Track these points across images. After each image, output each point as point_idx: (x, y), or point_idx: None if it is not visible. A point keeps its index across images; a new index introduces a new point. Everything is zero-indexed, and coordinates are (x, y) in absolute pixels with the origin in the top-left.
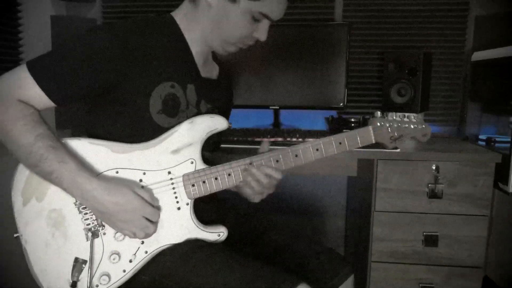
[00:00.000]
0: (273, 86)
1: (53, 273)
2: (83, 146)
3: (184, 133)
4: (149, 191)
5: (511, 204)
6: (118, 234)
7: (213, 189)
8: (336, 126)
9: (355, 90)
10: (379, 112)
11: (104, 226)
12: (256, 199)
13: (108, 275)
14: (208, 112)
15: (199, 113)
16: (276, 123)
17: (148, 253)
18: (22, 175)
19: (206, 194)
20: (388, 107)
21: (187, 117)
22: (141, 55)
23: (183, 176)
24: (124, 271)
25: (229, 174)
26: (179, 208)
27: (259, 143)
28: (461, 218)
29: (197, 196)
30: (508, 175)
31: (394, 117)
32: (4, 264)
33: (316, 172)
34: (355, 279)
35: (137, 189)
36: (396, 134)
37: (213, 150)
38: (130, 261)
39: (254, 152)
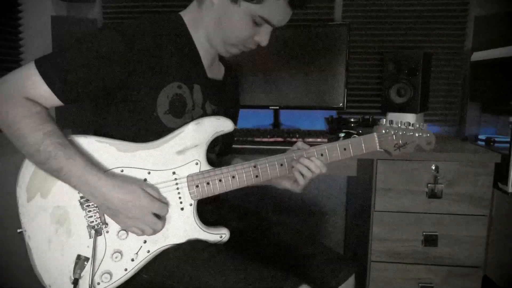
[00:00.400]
0: (273, 86)
1: (55, 270)
2: (90, 144)
3: (190, 134)
4: (156, 189)
5: (511, 204)
6: (121, 232)
7: (217, 190)
8: (336, 126)
9: (355, 90)
10: (384, 120)
11: (107, 224)
12: (302, 187)
13: (110, 273)
14: (213, 113)
15: (204, 114)
16: (276, 123)
17: (150, 252)
18: (28, 171)
19: (209, 196)
20: (388, 107)
21: (193, 118)
22: (149, 55)
23: (187, 177)
24: (126, 269)
25: (233, 177)
26: (182, 209)
27: (259, 143)
28: (461, 218)
29: (201, 197)
30: (507, 175)
31: (399, 125)
32: (5, 264)
33: None
34: (354, 279)
35: (144, 186)
36: (400, 142)
37: (224, 154)
38: (132, 260)
39: (254, 152)
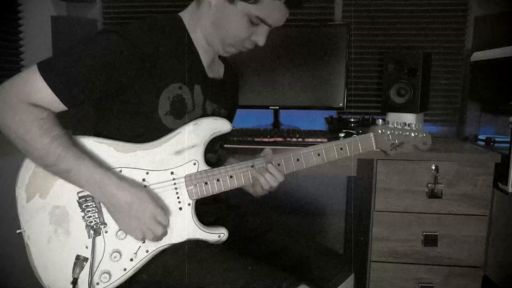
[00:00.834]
0: (273, 86)
1: (54, 270)
2: (89, 145)
3: (188, 135)
4: (159, 197)
5: (511, 204)
6: (120, 232)
7: (215, 190)
8: (336, 126)
9: (355, 90)
10: (381, 120)
11: (106, 224)
12: (259, 194)
13: (109, 273)
14: (213, 112)
15: (204, 114)
16: (276, 123)
17: (149, 252)
18: (27, 171)
19: (207, 195)
20: (388, 107)
21: (193, 119)
22: (151, 57)
23: (185, 176)
24: (125, 269)
25: (231, 176)
26: (180, 209)
27: (259, 143)
28: (461, 218)
29: (199, 197)
30: (507, 175)
31: (395, 125)
32: (4, 264)
33: (316, 172)
34: (355, 279)
35: (150, 191)
36: (397, 141)
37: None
38: (131, 259)
39: (254, 152)
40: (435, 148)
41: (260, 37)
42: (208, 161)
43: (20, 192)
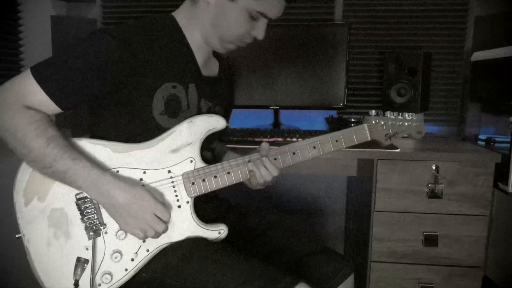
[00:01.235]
0: (273, 86)
1: (55, 273)
2: (84, 146)
3: (183, 133)
4: (160, 193)
5: (511, 204)
6: (120, 232)
7: (213, 187)
8: (336, 126)
9: (355, 90)
10: (373, 111)
11: (105, 225)
12: (255, 187)
13: (110, 274)
14: (209, 110)
15: (199, 112)
16: (276, 123)
17: (150, 251)
18: (24, 175)
19: (206, 192)
20: (388, 107)
21: (187, 118)
22: (144, 57)
23: (183, 174)
24: (126, 269)
25: (228, 173)
26: (179, 207)
27: (259, 143)
28: (461, 218)
29: (197, 194)
30: (507, 175)
31: (389, 115)
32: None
33: (316, 172)
34: (354, 279)
35: (148, 188)
36: (390, 131)
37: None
38: (132, 259)
39: (254, 152)
40: (435, 148)
41: (260, 31)
42: (205, 158)
43: (18, 197)
